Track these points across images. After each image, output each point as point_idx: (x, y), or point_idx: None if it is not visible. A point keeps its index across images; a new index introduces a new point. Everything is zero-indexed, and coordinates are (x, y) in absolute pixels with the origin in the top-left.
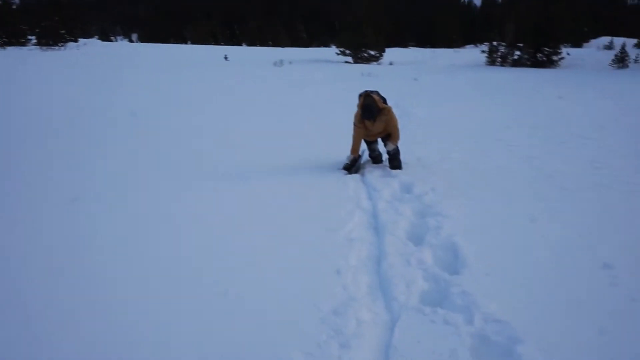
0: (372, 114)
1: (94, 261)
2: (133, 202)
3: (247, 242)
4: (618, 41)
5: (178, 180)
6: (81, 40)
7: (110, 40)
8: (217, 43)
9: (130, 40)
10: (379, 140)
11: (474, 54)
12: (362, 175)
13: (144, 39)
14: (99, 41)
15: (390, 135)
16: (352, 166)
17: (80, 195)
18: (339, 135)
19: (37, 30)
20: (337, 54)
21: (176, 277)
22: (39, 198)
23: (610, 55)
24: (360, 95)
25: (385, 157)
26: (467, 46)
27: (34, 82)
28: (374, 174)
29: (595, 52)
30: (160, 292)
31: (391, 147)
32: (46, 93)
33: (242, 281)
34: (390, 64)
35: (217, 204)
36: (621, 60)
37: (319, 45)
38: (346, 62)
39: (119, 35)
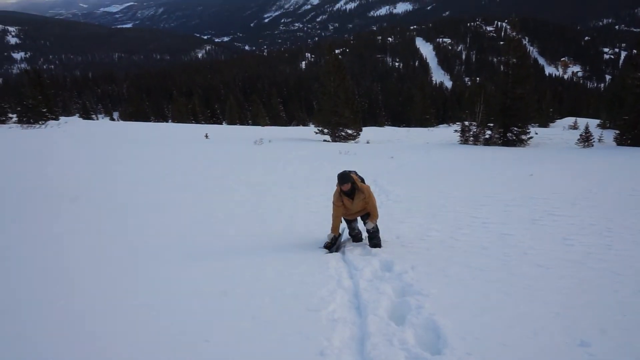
0: (348, 180)
1: None
2: (117, 294)
3: (229, 326)
4: (582, 121)
5: (158, 260)
6: (62, 119)
7: (92, 118)
8: (197, 121)
9: (112, 118)
10: (359, 218)
11: (447, 132)
12: (343, 253)
13: (125, 116)
14: (80, 119)
15: (369, 214)
16: (333, 244)
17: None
18: (320, 213)
19: (18, 108)
20: (316, 132)
21: None
22: None
23: (576, 134)
24: (339, 176)
25: (365, 235)
26: (440, 125)
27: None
28: (355, 253)
29: (561, 131)
30: None
31: (370, 225)
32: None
33: None
34: (367, 142)
35: (193, 285)
36: (586, 139)
37: (297, 124)
38: (324, 140)
39: (101, 113)
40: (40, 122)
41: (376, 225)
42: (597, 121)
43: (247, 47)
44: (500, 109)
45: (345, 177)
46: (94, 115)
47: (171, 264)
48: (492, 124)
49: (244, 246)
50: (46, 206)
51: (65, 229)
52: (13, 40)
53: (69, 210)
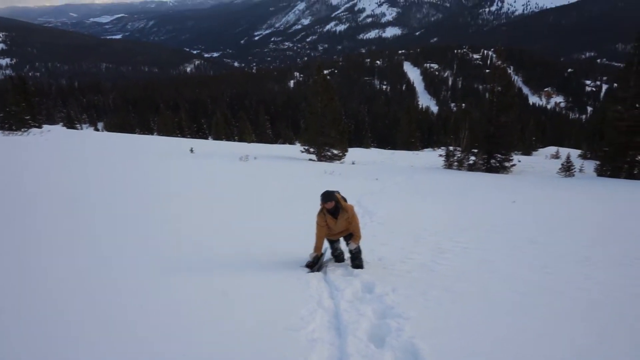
0: (332, 198)
1: None
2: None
3: (207, 342)
4: (564, 151)
5: (137, 276)
6: (45, 127)
7: (76, 128)
8: (183, 135)
9: (96, 129)
10: (342, 239)
11: (432, 157)
12: (325, 273)
13: (110, 127)
14: (64, 128)
15: (352, 234)
16: (315, 264)
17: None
18: (302, 231)
19: (0, 114)
20: (302, 151)
21: None
22: None
23: (557, 163)
24: (323, 194)
25: (347, 255)
26: (425, 149)
27: None
28: (336, 273)
29: (543, 160)
30: None
31: (353, 246)
32: None
33: None
34: (353, 163)
35: (169, 303)
36: (567, 169)
37: (284, 142)
38: (310, 159)
39: (85, 123)
40: (22, 130)
41: (359, 246)
42: (579, 151)
43: (236, 64)
44: (484, 136)
45: (328, 195)
46: (78, 125)
47: (144, 280)
48: (476, 150)
49: (223, 264)
50: None
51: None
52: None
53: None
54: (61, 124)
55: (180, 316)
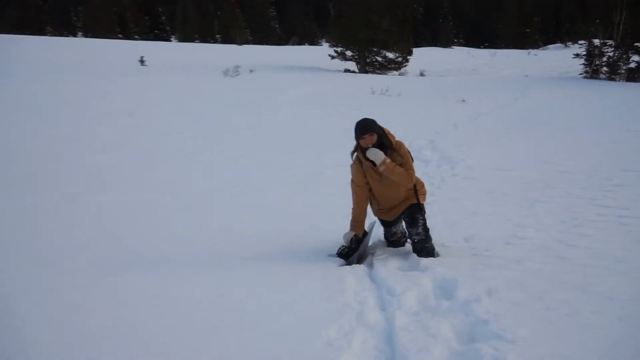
0: (372, 128)
1: None
2: None
3: None
4: None
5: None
6: None
7: None
8: (127, 36)
9: None
10: (402, 220)
11: (561, 58)
12: (370, 266)
13: (6, 28)
14: None
15: (413, 219)
16: (354, 251)
17: None
18: (331, 197)
19: None
20: (332, 56)
21: None
22: None
23: None
24: (357, 126)
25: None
26: (549, 46)
27: None
28: (390, 266)
29: None
30: None
31: (417, 232)
32: None
33: None
34: (421, 74)
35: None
36: None
37: (301, 43)
38: (347, 70)
39: None
40: None
41: (424, 224)
42: None
43: None
44: None
45: (367, 125)
46: None
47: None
48: None
49: (199, 254)
50: None
51: None
52: None
53: None
54: None
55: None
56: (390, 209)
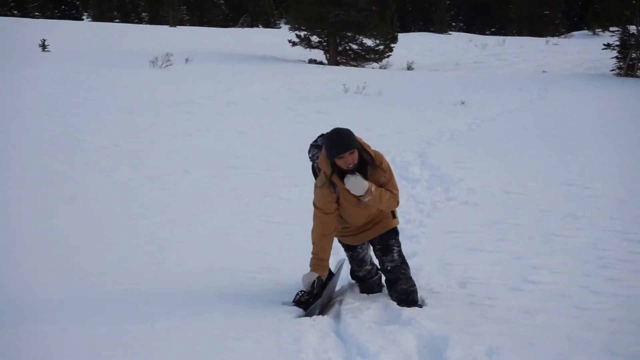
0: (352, 143)
1: None
2: None
3: None
4: None
5: None
6: None
7: None
8: (24, 14)
9: None
10: (369, 243)
11: (588, 48)
12: (337, 318)
13: None
14: None
15: (386, 247)
16: (316, 298)
17: None
18: (287, 226)
19: None
20: (293, 43)
21: None
22: None
23: None
24: (330, 136)
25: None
26: (573, 33)
27: None
28: (362, 317)
29: None
30: None
31: (392, 259)
32: None
33: None
34: (409, 68)
35: None
36: None
37: (253, 24)
38: (312, 61)
39: None
40: None
41: (401, 254)
42: None
43: None
44: None
45: (345, 140)
46: None
47: None
48: None
49: (113, 297)
50: None
51: None
52: None
53: None
54: None
55: None
56: (359, 231)
